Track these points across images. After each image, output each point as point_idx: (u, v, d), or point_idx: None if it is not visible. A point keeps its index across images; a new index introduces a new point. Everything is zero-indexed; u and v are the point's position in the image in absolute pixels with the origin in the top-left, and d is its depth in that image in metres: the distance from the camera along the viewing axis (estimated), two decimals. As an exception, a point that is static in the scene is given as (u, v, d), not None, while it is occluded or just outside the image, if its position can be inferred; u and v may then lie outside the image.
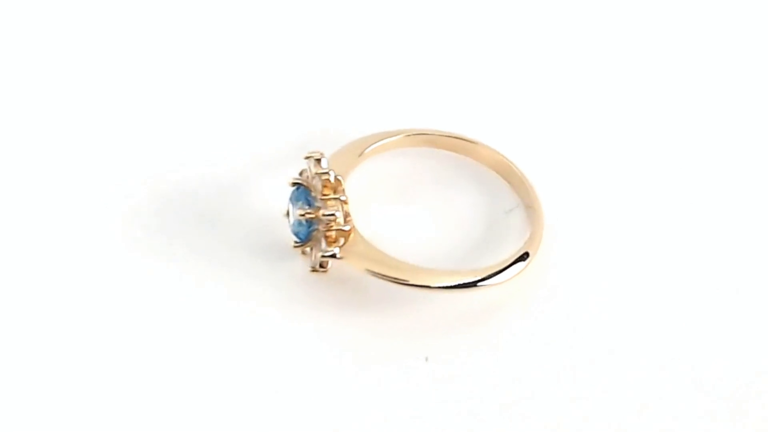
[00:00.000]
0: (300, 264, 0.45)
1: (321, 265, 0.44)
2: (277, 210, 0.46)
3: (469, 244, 0.46)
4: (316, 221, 0.44)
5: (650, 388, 0.43)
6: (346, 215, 0.44)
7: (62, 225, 0.47)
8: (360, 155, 0.47)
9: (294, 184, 0.44)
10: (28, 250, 0.46)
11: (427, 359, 0.43)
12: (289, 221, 0.45)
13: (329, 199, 0.44)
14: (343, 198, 0.44)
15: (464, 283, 0.43)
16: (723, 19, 0.55)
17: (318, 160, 0.44)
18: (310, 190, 0.44)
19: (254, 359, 0.43)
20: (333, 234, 0.44)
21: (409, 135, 0.48)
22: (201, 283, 0.45)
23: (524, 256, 0.44)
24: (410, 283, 0.43)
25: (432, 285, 0.43)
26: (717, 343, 0.44)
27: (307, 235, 0.44)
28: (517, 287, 0.45)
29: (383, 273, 0.43)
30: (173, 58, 0.52)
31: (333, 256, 0.43)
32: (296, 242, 0.44)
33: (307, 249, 0.45)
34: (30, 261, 0.45)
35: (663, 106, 0.52)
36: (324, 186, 0.44)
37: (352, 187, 0.45)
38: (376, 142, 0.47)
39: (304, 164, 0.45)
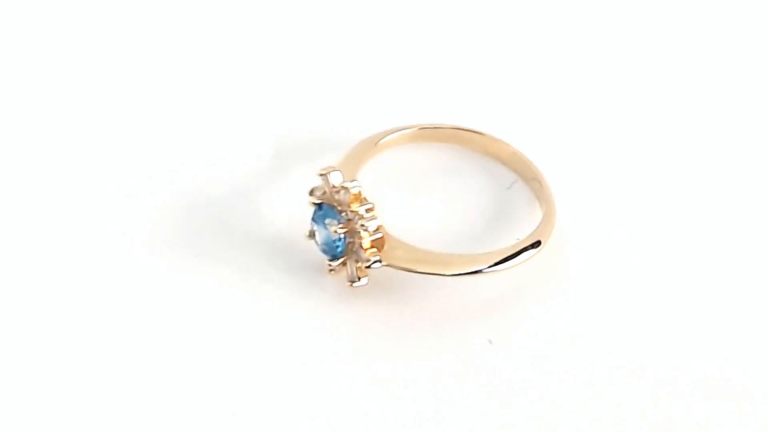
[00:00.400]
0: (305, 261, 0.45)
1: (358, 277, 0.44)
2: (285, 209, 0.46)
3: (480, 229, 0.47)
4: (349, 234, 0.43)
5: (662, 382, 0.43)
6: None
7: (66, 225, 0.46)
8: (375, 145, 0.48)
9: (317, 203, 0.44)
10: (38, 257, 0.45)
11: (490, 341, 0.43)
12: (316, 242, 0.44)
13: (360, 210, 0.43)
14: (368, 206, 0.43)
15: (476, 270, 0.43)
16: (731, 10, 0.55)
17: (335, 175, 0.44)
18: (334, 206, 0.44)
19: (272, 355, 0.43)
20: (369, 243, 0.43)
21: (423, 128, 0.49)
22: (223, 286, 0.45)
23: (536, 244, 0.44)
24: (426, 272, 0.43)
25: (446, 273, 0.43)
26: (736, 343, 0.44)
27: (342, 251, 0.44)
28: (529, 275, 0.45)
29: (419, 270, 0.43)
30: (182, 59, 0.52)
31: (373, 263, 0.43)
32: (330, 261, 0.44)
33: (338, 264, 0.44)
34: (40, 267, 0.45)
35: (673, 95, 0.52)
36: (351, 198, 0.44)
37: (366, 177, 0.46)
38: (390, 134, 0.48)
39: (307, 170, 0.46)
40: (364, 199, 0.44)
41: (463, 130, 0.49)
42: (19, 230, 0.46)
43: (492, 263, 0.43)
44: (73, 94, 0.51)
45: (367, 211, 0.43)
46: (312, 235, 0.44)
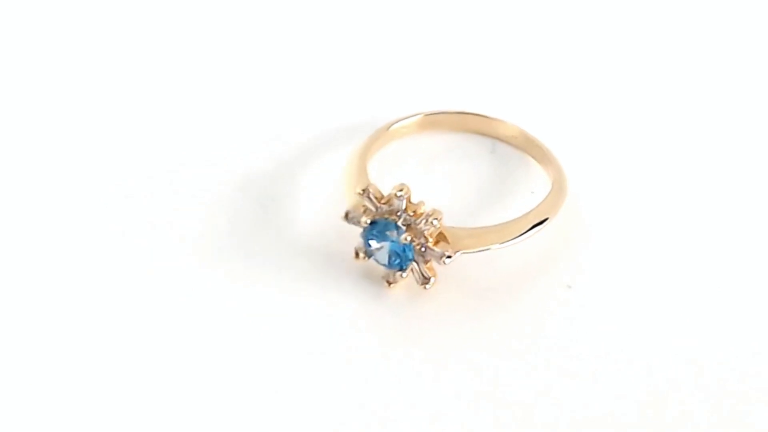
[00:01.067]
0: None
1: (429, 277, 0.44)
2: (291, 206, 0.46)
3: (491, 203, 0.47)
4: (413, 238, 0.43)
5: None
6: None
7: (65, 225, 0.46)
8: (385, 132, 0.48)
9: (371, 222, 0.44)
10: (37, 257, 0.45)
11: (569, 286, 0.44)
12: (376, 260, 0.44)
13: (420, 212, 0.43)
14: (420, 205, 0.44)
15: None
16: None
17: (374, 188, 0.44)
18: (386, 217, 0.43)
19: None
20: (434, 240, 0.43)
21: (428, 115, 0.49)
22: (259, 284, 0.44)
23: (543, 221, 0.45)
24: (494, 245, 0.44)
25: (512, 239, 0.44)
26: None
27: (411, 258, 0.43)
28: (535, 252, 0.45)
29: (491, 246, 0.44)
30: (181, 59, 0.53)
31: (448, 257, 0.43)
32: (400, 272, 0.44)
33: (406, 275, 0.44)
34: (39, 268, 0.45)
35: (685, 75, 0.53)
36: (406, 204, 0.44)
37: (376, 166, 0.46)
38: (396, 123, 0.49)
39: (307, 167, 0.46)
40: (411, 201, 0.44)
41: (468, 114, 0.50)
42: (18, 231, 0.46)
43: (544, 218, 0.44)
44: (72, 94, 0.51)
45: (422, 209, 0.43)
46: (366, 254, 0.44)
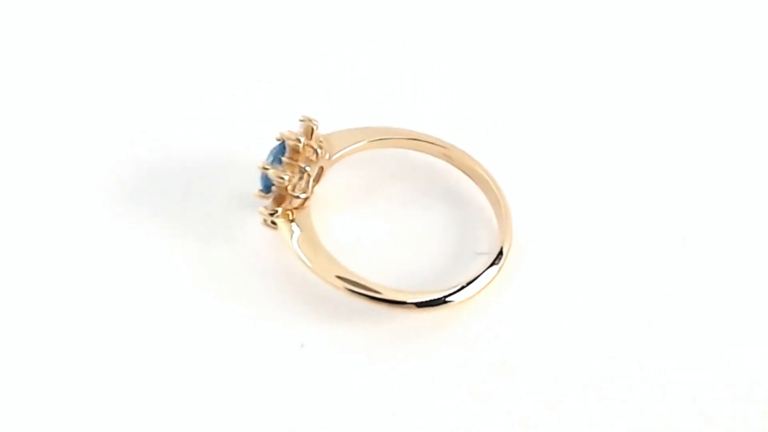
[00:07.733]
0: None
1: (272, 222, 0.44)
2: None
3: (436, 263, 0.45)
4: (272, 179, 0.44)
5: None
6: (300, 186, 0.44)
7: (24, 197, 0.47)
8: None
9: (278, 139, 0.45)
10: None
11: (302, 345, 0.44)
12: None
13: (291, 163, 0.44)
14: (303, 166, 0.44)
15: (433, 300, 0.43)
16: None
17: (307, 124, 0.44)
18: (288, 151, 0.44)
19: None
20: (283, 196, 0.44)
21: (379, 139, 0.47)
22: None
23: (496, 260, 0.44)
24: (383, 297, 0.43)
25: (408, 300, 0.43)
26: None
27: (268, 188, 0.44)
28: (487, 300, 0.44)
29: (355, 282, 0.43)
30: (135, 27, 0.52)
31: (271, 213, 0.44)
32: (260, 190, 0.45)
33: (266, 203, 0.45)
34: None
35: (634, 109, 0.50)
36: (298, 150, 0.44)
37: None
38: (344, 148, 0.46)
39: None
40: (309, 160, 0.44)
41: (420, 140, 0.47)
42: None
43: (451, 292, 0.43)
44: (29, 64, 0.50)
45: (299, 169, 0.44)
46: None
